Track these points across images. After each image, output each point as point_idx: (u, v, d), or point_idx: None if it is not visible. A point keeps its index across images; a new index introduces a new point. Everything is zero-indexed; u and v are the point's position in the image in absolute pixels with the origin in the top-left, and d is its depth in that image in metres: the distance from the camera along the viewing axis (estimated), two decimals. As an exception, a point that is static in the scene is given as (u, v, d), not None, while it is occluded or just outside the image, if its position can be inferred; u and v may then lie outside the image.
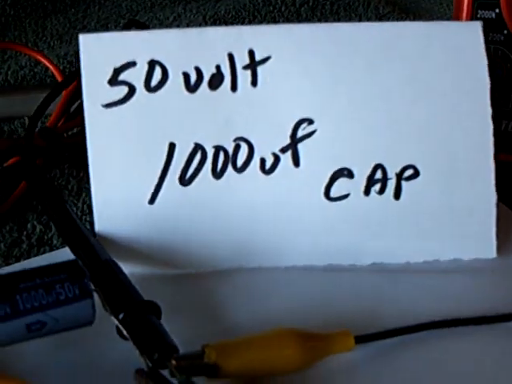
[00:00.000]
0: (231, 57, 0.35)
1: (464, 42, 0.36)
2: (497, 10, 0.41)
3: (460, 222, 0.37)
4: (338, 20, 0.65)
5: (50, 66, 0.52)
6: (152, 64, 0.35)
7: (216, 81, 0.35)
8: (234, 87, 0.35)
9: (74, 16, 0.67)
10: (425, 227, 0.37)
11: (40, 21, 0.66)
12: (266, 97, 0.35)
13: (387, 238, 0.37)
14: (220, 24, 0.64)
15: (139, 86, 0.35)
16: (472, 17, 0.42)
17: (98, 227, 0.36)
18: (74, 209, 0.42)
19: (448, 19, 0.63)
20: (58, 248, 0.40)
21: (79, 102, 0.47)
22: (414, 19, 0.66)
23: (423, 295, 0.36)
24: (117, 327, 0.32)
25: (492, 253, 0.38)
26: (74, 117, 0.47)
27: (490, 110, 0.36)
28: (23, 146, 0.42)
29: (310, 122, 0.35)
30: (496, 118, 0.36)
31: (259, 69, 0.35)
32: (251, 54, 0.35)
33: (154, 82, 0.35)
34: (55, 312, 0.30)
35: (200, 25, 0.63)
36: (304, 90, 0.36)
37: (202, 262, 0.37)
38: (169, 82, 0.35)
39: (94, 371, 0.32)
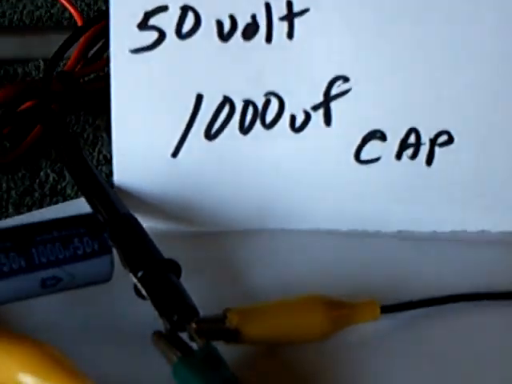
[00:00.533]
0: (268, 6, 0.33)
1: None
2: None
3: (490, 194, 0.36)
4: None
5: (70, 7, 0.50)
6: (185, 9, 0.33)
7: (250, 31, 0.33)
8: (268, 38, 0.33)
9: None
10: (455, 196, 0.36)
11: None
12: (301, 50, 0.33)
13: (415, 205, 0.36)
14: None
15: (170, 31, 0.33)
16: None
17: (116, 178, 0.35)
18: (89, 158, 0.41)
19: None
20: (71, 198, 0.38)
21: (98, 47, 0.46)
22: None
23: (449, 266, 0.35)
24: (135, 286, 0.30)
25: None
26: (92, 62, 0.45)
27: None
28: (40, 90, 0.41)
29: (346, 79, 0.34)
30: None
31: (296, 21, 0.33)
32: (289, 4, 0.33)
33: (185, 29, 0.33)
34: (72, 267, 0.29)
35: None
36: (341, 46, 0.34)
37: (223, 221, 0.35)
38: (201, 30, 0.33)
39: (108, 331, 0.31)
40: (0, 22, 0.54)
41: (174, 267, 0.31)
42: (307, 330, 0.30)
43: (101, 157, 0.41)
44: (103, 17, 0.44)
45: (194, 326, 0.28)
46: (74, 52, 0.44)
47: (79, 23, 0.48)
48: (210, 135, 0.34)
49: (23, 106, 0.41)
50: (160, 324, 0.29)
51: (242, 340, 0.29)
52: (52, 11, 0.55)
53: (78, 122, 0.43)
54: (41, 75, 0.48)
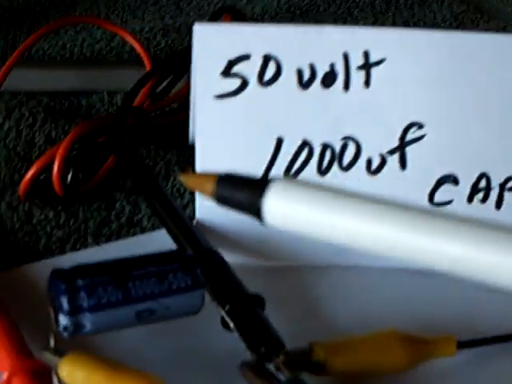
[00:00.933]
0: (346, 56, 0.35)
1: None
2: None
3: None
4: (413, 16, 0.65)
5: (133, 41, 0.52)
6: (267, 58, 0.35)
7: (329, 79, 0.35)
8: (346, 86, 0.35)
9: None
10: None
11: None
12: (377, 98, 0.35)
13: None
14: (294, 11, 0.63)
15: (252, 79, 0.35)
16: None
17: (198, 214, 0.36)
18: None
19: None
20: (148, 230, 0.40)
21: (166, 84, 0.47)
22: (488, 19, 0.66)
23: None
24: (222, 318, 0.32)
25: None
26: (160, 99, 0.47)
27: None
28: (114, 125, 0.42)
29: (420, 126, 0.35)
30: None
31: (373, 70, 0.35)
32: (366, 54, 0.35)
33: (267, 77, 0.35)
34: (166, 301, 0.30)
35: (275, 10, 0.63)
36: (416, 94, 0.35)
37: (300, 256, 0.36)
38: (282, 78, 0.35)
39: (195, 361, 0.32)
40: (61, 55, 0.56)
41: (259, 301, 0.32)
42: (388, 363, 0.31)
43: (174, 191, 0.42)
44: (176, 56, 0.47)
45: (282, 357, 0.30)
46: (143, 89, 0.46)
47: (145, 58, 0.50)
48: (289, 176, 0.36)
49: (100, 139, 0.42)
50: (246, 356, 0.31)
51: (328, 372, 0.31)
52: (112, 44, 0.57)
53: (149, 156, 0.45)
54: (105, 107, 0.50)
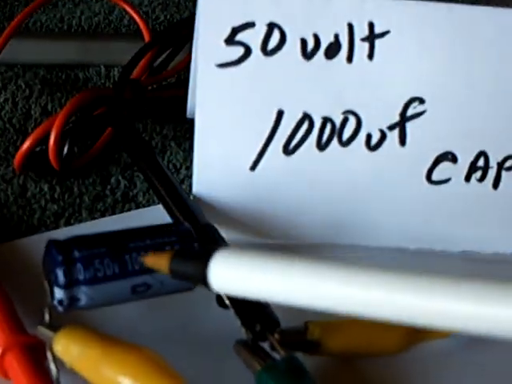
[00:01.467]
0: (351, 27, 0.34)
1: None
2: None
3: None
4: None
5: (133, 13, 0.51)
6: (271, 26, 0.34)
7: (333, 50, 0.34)
8: (349, 58, 0.34)
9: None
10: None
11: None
12: (380, 71, 0.34)
13: (481, 227, 0.37)
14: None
15: (256, 47, 0.34)
16: None
17: (195, 189, 0.36)
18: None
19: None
20: (143, 206, 0.39)
21: (164, 57, 0.47)
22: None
23: None
24: (217, 295, 0.31)
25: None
26: (158, 72, 0.46)
27: None
28: (112, 97, 0.42)
29: (421, 101, 0.35)
30: None
31: (377, 42, 0.34)
32: (371, 26, 0.34)
33: (270, 46, 0.34)
34: (162, 275, 0.30)
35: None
36: (419, 68, 0.35)
37: (296, 234, 0.36)
38: (286, 47, 0.34)
39: (190, 338, 0.32)
40: (59, 27, 0.55)
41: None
42: (384, 343, 0.31)
43: (170, 166, 0.42)
44: (176, 29, 0.46)
45: (277, 336, 0.30)
46: (141, 61, 0.45)
47: (144, 31, 0.49)
48: (288, 150, 0.35)
49: (96, 112, 0.42)
50: (241, 333, 0.30)
51: (322, 352, 0.30)
52: (110, 18, 0.56)
53: (145, 130, 0.45)
54: (102, 81, 0.49)
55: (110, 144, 0.43)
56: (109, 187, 0.40)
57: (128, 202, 0.40)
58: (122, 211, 0.39)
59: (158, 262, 0.28)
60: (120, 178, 0.41)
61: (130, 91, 0.42)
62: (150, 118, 0.45)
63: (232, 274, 0.26)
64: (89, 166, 0.42)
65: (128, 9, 0.51)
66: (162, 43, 0.45)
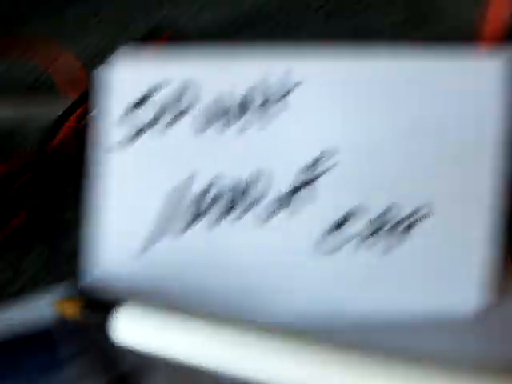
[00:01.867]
0: (258, 85, 0.35)
1: (482, 81, 0.36)
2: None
3: (450, 276, 0.37)
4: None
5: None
6: (182, 87, 0.34)
7: (240, 110, 0.35)
8: (243, 128, 0.35)
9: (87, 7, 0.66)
10: (426, 267, 0.37)
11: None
12: (289, 128, 0.35)
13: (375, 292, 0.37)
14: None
15: (152, 123, 0.35)
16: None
17: (89, 265, 0.35)
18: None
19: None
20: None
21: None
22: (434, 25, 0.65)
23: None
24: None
25: (482, 305, 0.38)
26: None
27: (497, 156, 0.36)
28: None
29: (331, 155, 0.35)
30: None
31: (286, 99, 0.35)
32: (276, 83, 0.35)
33: (166, 120, 0.35)
34: None
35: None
36: (330, 123, 0.35)
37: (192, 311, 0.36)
38: (182, 121, 0.35)
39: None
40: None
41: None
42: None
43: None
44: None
45: None
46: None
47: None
48: (183, 226, 0.35)
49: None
50: None
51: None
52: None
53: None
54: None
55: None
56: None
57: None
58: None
59: (67, 308, 0.30)
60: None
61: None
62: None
63: (135, 328, 0.28)
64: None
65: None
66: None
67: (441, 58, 0.36)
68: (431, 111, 0.36)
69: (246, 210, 0.35)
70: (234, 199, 0.35)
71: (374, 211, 0.36)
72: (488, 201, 0.37)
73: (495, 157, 0.36)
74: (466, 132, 0.36)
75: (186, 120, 0.35)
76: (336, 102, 0.35)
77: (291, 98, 0.35)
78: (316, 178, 0.36)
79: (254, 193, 0.35)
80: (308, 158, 0.36)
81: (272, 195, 0.36)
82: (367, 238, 0.36)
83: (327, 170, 0.36)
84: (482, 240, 0.37)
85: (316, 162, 0.36)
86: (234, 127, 0.35)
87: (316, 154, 0.35)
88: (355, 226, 0.36)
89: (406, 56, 0.35)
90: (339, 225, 0.36)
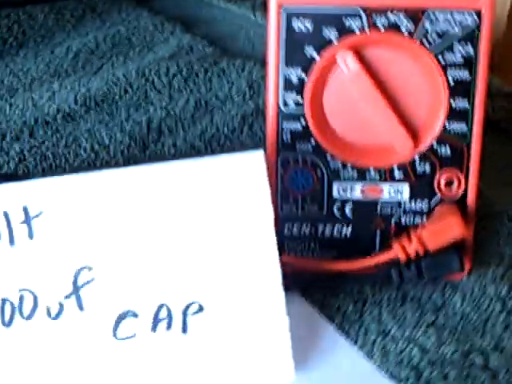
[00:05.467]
0: (6, 214, 0.37)
1: (246, 175, 0.38)
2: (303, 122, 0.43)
3: (253, 352, 0.39)
4: (210, 89, 0.66)
5: None
6: None
7: None
8: (11, 241, 0.37)
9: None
10: (215, 359, 0.39)
11: None
12: (42, 249, 0.37)
13: (177, 373, 0.39)
14: (90, 102, 0.65)
15: None
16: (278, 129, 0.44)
17: None
18: None
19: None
20: None
21: None
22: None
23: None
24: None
25: (291, 377, 0.39)
26: None
27: (274, 241, 0.38)
28: None
29: (90, 269, 0.37)
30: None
31: (33, 223, 0.37)
32: (25, 210, 0.37)
33: None
34: None
35: (70, 105, 0.64)
36: (79, 239, 0.37)
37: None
38: None
39: None
40: None
41: None
42: None
43: None
44: None
45: None
46: None
47: None
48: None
49: None
50: None
51: None
52: None
53: None
54: None
55: None
56: None
57: None
58: None
59: None
60: None
61: None
62: None
63: None
64: None
65: None
66: None
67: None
68: (191, 212, 0.38)
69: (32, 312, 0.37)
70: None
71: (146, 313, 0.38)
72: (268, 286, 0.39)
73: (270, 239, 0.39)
74: (236, 228, 0.38)
75: None
76: (80, 222, 0.38)
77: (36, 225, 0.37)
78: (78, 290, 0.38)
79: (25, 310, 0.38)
80: (68, 274, 0.38)
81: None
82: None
83: (88, 282, 0.38)
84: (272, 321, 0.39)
85: (76, 277, 0.38)
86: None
87: (74, 269, 0.38)
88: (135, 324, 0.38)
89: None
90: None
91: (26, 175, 0.54)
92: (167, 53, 0.72)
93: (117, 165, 0.55)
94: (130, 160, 0.56)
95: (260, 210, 0.38)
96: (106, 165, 0.55)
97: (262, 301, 0.38)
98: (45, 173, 0.55)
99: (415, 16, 0.41)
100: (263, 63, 0.68)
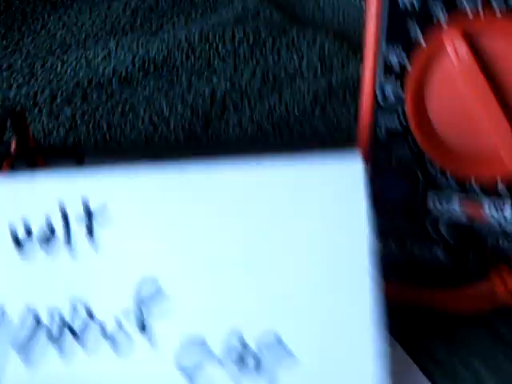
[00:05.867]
0: (63, 209, 0.32)
1: (343, 186, 0.32)
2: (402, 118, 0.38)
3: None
4: (279, 61, 0.61)
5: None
6: None
7: (47, 235, 0.32)
8: (67, 241, 0.32)
9: (1, 49, 0.64)
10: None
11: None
12: (102, 253, 0.32)
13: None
14: (149, 66, 0.60)
15: None
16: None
17: None
18: None
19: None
20: None
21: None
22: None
23: None
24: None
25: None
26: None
27: (370, 269, 0.32)
28: None
29: (155, 281, 0.32)
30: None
31: (94, 221, 0.32)
32: (85, 205, 0.32)
33: None
34: None
35: (128, 67, 0.60)
36: (147, 246, 0.32)
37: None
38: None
39: None
40: None
41: None
42: None
43: None
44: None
45: None
46: None
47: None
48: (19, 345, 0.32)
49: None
50: None
51: None
52: None
53: None
54: None
55: None
56: None
57: None
58: None
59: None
60: None
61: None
62: None
63: None
64: None
65: None
66: None
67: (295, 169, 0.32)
68: (276, 222, 0.32)
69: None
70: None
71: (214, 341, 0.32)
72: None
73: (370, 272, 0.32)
74: (333, 248, 0.32)
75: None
76: (149, 225, 0.32)
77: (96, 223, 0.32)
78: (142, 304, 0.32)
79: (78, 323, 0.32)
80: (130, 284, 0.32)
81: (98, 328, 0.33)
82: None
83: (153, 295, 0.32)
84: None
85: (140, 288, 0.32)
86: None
87: (137, 280, 0.32)
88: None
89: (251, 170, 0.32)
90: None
91: (77, 147, 0.49)
92: (232, 16, 0.67)
93: (177, 141, 0.51)
94: (190, 137, 0.51)
95: (356, 224, 0.32)
96: (166, 141, 0.51)
97: (353, 339, 0.31)
98: (97, 146, 0.50)
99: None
100: (336, 35, 0.63)
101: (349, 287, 0.32)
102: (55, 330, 0.32)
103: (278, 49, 0.62)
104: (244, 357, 0.32)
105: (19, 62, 0.61)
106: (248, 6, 0.69)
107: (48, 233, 0.32)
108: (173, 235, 0.32)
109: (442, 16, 0.36)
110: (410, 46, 0.37)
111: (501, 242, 0.39)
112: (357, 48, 0.62)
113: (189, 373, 0.32)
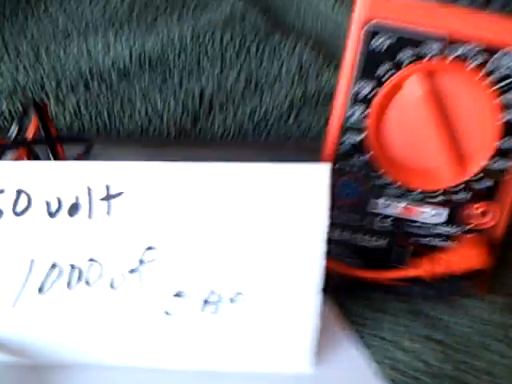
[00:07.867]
0: (89, 190, 0.40)
1: (308, 185, 0.41)
2: (363, 136, 0.46)
3: (281, 340, 0.43)
4: (260, 66, 0.68)
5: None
6: (19, 192, 0.40)
7: (74, 209, 0.40)
8: (90, 215, 0.40)
9: (8, 31, 0.69)
10: (247, 342, 0.43)
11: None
12: (117, 226, 0.40)
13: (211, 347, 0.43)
14: (145, 61, 0.66)
15: (7, 210, 0.40)
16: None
17: None
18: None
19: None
20: None
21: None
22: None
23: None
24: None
25: (310, 367, 0.43)
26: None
27: (323, 247, 0.41)
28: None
29: (154, 249, 0.41)
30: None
31: (113, 201, 0.40)
32: (107, 188, 0.40)
33: (19, 208, 0.40)
34: None
35: (125, 60, 0.66)
36: (150, 222, 0.41)
37: (51, 357, 0.42)
38: (32, 209, 0.40)
39: None
40: None
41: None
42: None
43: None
44: None
45: None
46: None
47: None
48: (42, 290, 0.41)
49: None
50: None
51: None
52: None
53: None
54: None
55: None
56: None
57: None
58: None
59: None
60: None
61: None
62: None
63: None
64: None
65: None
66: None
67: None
68: (250, 211, 0.41)
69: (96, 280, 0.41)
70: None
71: (197, 296, 0.42)
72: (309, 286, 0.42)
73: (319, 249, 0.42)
74: (296, 230, 0.42)
75: (38, 207, 0.41)
76: (154, 207, 0.41)
77: (114, 204, 0.41)
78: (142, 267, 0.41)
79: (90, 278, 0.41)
80: (137, 251, 0.41)
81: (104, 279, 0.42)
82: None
83: (151, 261, 0.41)
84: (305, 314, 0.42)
85: (143, 255, 0.41)
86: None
87: (143, 248, 0.41)
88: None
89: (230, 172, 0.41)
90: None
91: (81, 134, 0.56)
92: (221, 17, 0.73)
93: (168, 136, 0.58)
94: (181, 133, 0.58)
95: (315, 217, 0.41)
96: (159, 135, 0.58)
97: (299, 297, 0.42)
98: (99, 133, 0.57)
99: (489, 52, 0.44)
100: (314, 45, 0.70)
101: (302, 260, 0.42)
102: (73, 282, 0.41)
103: (261, 54, 0.70)
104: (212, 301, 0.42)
105: (25, 44, 0.67)
106: (234, 8, 0.75)
107: (75, 208, 0.40)
108: (173, 217, 0.41)
109: (405, 58, 0.44)
110: (377, 80, 0.45)
111: (433, 240, 0.48)
112: (331, 59, 0.69)
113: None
